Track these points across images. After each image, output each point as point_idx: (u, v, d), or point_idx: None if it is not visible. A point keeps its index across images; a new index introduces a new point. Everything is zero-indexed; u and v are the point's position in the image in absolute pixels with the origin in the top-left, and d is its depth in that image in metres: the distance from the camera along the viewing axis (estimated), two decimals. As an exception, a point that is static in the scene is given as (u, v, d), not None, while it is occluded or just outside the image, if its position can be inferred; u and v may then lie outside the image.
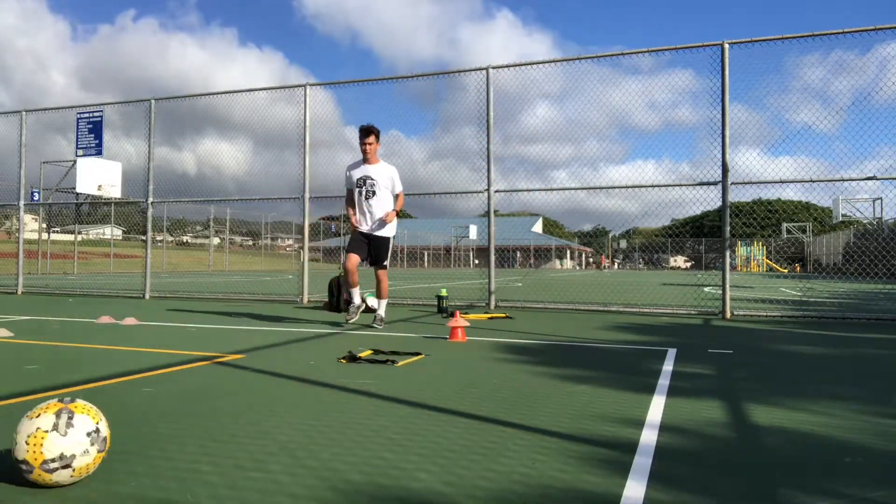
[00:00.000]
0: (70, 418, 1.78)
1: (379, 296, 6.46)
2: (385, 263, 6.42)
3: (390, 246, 6.48)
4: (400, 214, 6.60)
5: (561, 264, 57.98)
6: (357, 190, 6.38)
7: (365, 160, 6.40)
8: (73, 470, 1.75)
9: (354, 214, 6.47)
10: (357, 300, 6.38)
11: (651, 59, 8.47)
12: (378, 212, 6.33)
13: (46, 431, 1.73)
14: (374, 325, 6.20)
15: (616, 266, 56.79)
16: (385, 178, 6.37)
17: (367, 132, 6.33)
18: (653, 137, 9.80)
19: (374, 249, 6.39)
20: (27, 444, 1.72)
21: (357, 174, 6.41)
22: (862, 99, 7.26)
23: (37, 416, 1.77)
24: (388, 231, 6.42)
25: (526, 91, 8.82)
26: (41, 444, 1.71)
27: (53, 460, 1.71)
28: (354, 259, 6.33)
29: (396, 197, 6.50)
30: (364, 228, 6.38)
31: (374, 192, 6.33)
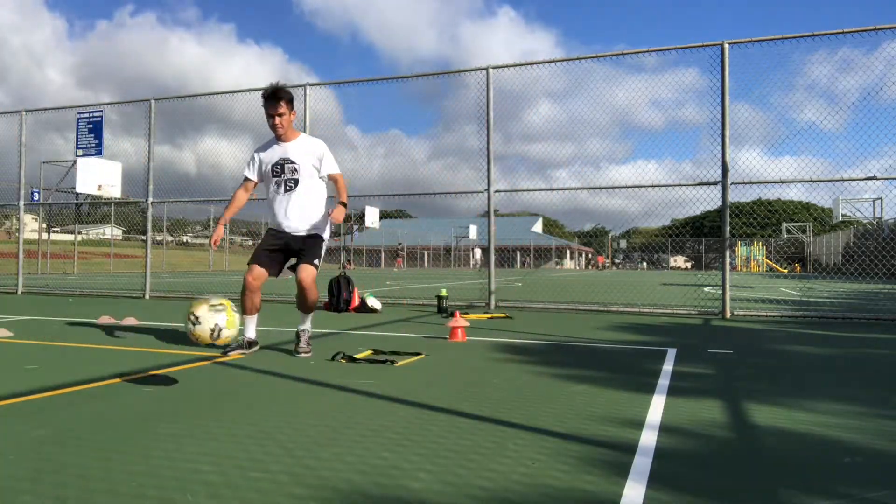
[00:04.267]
0: None
1: (306, 308, 4.54)
2: (315, 263, 4.46)
3: (323, 248, 4.57)
4: (346, 214, 4.54)
5: (561, 264, 58.02)
6: (274, 180, 4.51)
7: (277, 137, 4.54)
8: None
9: (221, 227, 4.66)
10: (250, 334, 4.52)
11: (652, 58, 8.47)
12: (305, 206, 4.49)
13: None
14: (300, 348, 4.42)
15: (614, 266, 56.78)
16: (309, 158, 4.51)
17: (272, 98, 4.43)
18: (654, 137, 9.81)
19: (298, 252, 4.52)
20: None
21: (270, 157, 4.55)
22: (864, 98, 7.27)
23: None
24: (319, 227, 4.55)
25: (527, 89, 8.83)
26: None
27: None
28: (259, 273, 4.44)
29: (333, 181, 4.58)
30: (282, 228, 4.52)
31: (296, 181, 4.47)
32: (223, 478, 1.90)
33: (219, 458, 2.08)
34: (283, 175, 4.51)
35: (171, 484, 1.84)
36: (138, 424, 2.52)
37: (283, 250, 4.57)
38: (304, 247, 4.51)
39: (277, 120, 4.45)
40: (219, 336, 4.51)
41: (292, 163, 4.49)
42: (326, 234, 4.62)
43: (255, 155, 4.67)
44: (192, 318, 4.52)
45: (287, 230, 4.52)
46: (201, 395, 3.07)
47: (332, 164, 4.59)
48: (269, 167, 4.54)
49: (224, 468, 1.99)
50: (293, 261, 4.59)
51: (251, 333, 4.54)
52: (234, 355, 4.32)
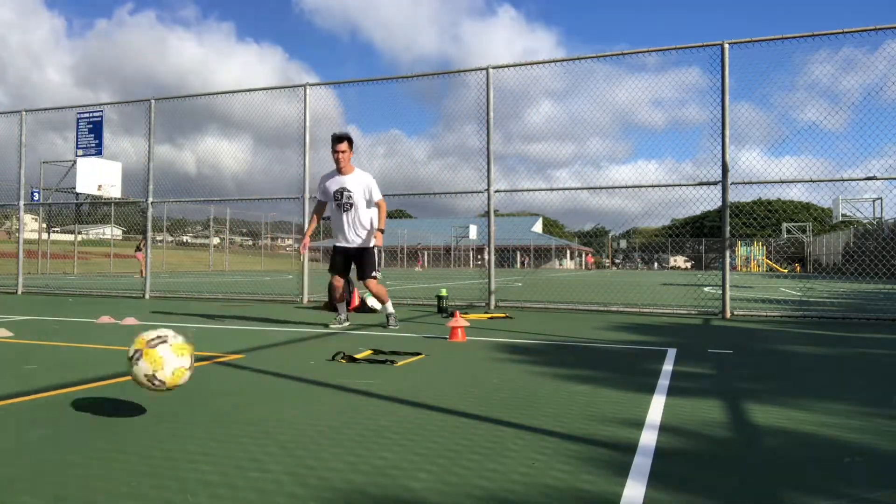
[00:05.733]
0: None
1: (381, 301, 6.32)
2: (375, 275, 6.15)
3: (374, 256, 6.20)
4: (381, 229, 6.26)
5: (562, 264, 58.04)
6: (335, 203, 6.13)
7: (339, 170, 6.13)
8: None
9: (306, 239, 6.47)
10: (343, 315, 6.23)
11: (652, 58, 8.47)
12: (356, 225, 6.10)
13: None
14: (390, 326, 6.10)
15: (614, 266, 56.77)
16: (361, 188, 6.09)
17: (337, 139, 6.05)
18: (654, 137, 9.80)
19: (357, 263, 6.18)
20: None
21: (333, 186, 6.15)
22: (865, 98, 7.26)
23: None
24: (367, 241, 6.13)
25: (527, 89, 8.83)
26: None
27: None
28: (339, 281, 6.20)
29: (377, 206, 6.19)
30: (342, 243, 6.16)
31: (351, 205, 6.08)
32: (223, 478, 1.90)
33: (219, 458, 2.08)
34: (342, 200, 6.10)
35: (171, 484, 1.84)
36: (138, 424, 2.52)
37: (346, 260, 6.23)
38: (361, 261, 6.14)
39: (340, 156, 6.04)
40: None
41: (349, 191, 6.08)
42: (373, 243, 6.13)
43: (322, 181, 6.27)
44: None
45: (345, 244, 6.16)
46: (201, 395, 3.07)
47: (378, 193, 6.16)
48: (332, 193, 6.15)
49: (224, 468, 1.99)
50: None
51: (343, 314, 6.23)
52: (333, 326, 6.06)
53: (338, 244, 6.20)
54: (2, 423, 2.55)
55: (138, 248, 22.72)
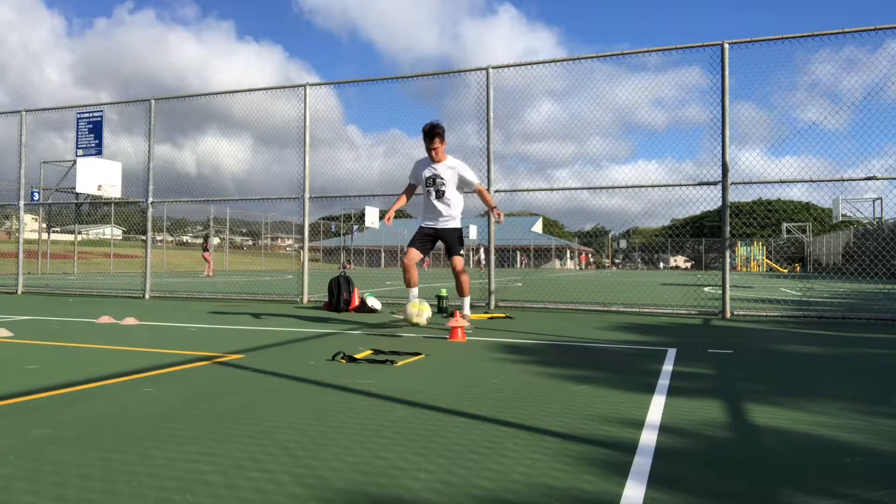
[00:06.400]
0: None
1: (462, 293, 6.42)
2: (461, 252, 6.37)
3: (461, 235, 6.45)
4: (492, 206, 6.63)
5: (564, 264, 58.04)
6: (427, 189, 6.38)
7: (432, 159, 6.36)
8: None
9: (390, 213, 6.49)
10: (414, 291, 6.27)
11: (653, 58, 8.47)
12: (447, 207, 6.34)
13: None
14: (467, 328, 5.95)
15: (614, 266, 56.76)
16: (452, 174, 6.33)
17: (430, 136, 6.23)
18: (655, 136, 9.79)
19: (447, 242, 6.41)
20: None
21: (426, 173, 6.37)
22: (867, 98, 7.26)
23: None
24: (457, 222, 6.42)
25: (528, 89, 8.82)
26: None
27: None
28: (414, 254, 6.29)
29: (476, 191, 6.53)
30: (430, 223, 6.41)
31: (443, 192, 6.32)
32: (223, 478, 1.90)
33: (219, 458, 2.08)
34: (434, 186, 6.33)
35: (171, 484, 1.84)
36: (138, 424, 2.52)
37: (432, 240, 6.46)
38: (450, 239, 6.36)
39: (434, 152, 6.26)
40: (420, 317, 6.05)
41: (441, 178, 6.31)
42: (460, 224, 6.43)
43: (416, 167, 6.48)
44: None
45: (433, 224, 6.40)
46: (201, 395, 3.07)
47: (474, 177, 6.42)
48: (424, 178, 6.36)
49: (224, 468, 1.99)
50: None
51: (415, 290, 6.27)
52: (407, 312, 6.10)
53: (426, 224, 6.45)
54: (2, 423, 2.55)
55: (205, 249, 23.89)
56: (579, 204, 8.73)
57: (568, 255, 61.30)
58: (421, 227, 6.48)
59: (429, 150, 6.27)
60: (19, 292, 11.74)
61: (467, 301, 6.41)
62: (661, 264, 54.96)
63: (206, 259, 24.19)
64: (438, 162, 6.35)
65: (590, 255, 64.55)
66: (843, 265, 28.37)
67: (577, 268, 56.96)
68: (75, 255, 27.37)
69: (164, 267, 29.95)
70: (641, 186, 8.24)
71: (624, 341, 5.35)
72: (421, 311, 6.01)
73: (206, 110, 11.05)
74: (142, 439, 2.30)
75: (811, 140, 7.47)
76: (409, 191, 6.65)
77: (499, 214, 6.52)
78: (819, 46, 7.49)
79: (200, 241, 28.55)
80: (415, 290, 6.28)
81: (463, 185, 6.43)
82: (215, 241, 40.57)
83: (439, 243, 6.56)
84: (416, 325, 6.02)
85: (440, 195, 6.34)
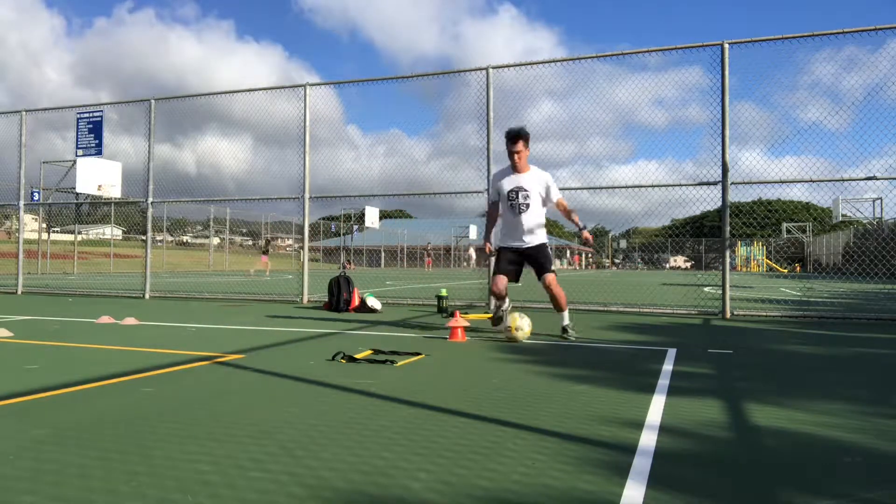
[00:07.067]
0: None
1: (559, 308, 5.57)
2: (552, 268, 5.60)
3: (549, 252, 5.73)
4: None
5: (567, 264, 58.04)
6: (509, 203, 5.61)
7: (514, 169, 5.64)
8: None
9: (489, 242, 5.88)
10: (505, 311, 5.63)
11: (653, 58, 8.47)
12: (532, 224, 5.60)
13: None
14: (569, 336, 5.47)
15: (614, 266, 56.77)
16: (538, 187, 5.61)
17: (513, 138, 5.53)
18: (655, 136, 9.80)
19: (534, 261, 5.63)
20: None
21: (507, 185, 5.63)
22: (867, 97, 7.25)
23: None
24: (542, 238, 5.69)
25: (528, 89, 8.82)
26: None
27: None
28: (502, 282, 5.57)
29: (558, 205, 5.71)
30: (515, 243, 5.65)
31: (527, 206, 5.57)
32: (223, 478, 1.90)
33: (219, 458, 2.08)
34: (517, 200, 5.59)
35: (171, 484, 1.84)
36: (138, 424, 2.52)
37: (519, 262, 5.70)
38: (539, 257, 5.61)
39: (517, 157, 5.54)
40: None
41: (525, 191, 5.58)
42: (545, 238, 5.72)
43: (496, 181, 5.78)
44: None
45: (518, 244, 5.65)
46: (201, 395, 3.07)
47: (557, 192, 5.71)
48: (506, 192, 5.63)
49: (224, 468, 1.99)
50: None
51: (506, 307, 5.67)
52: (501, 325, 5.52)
53: (509, 244, 5.70)
54: (2, 423, 2.55)
55: (265, 252, 25.02)
56: (579, 204, 8.72)
57: (567, 255, 61.32)
58: (502, 249, 5.73)
59: (511, 154, 5.55)
60: (19, 292, 11.74)
61: (566, 315, 5.58)
62: (666, 265, 54.97)
63: (264, 262, 25.93)
64: (521, 172, 5.63)
65: (589, 256, 64.52)
66: (843, 265, 28.37)
67: (573, 268, 56.98)
68: (75, 255, 27.37)
69: (164, 267, 29.95)
70: (641, 186, 8.24)
71: (624, 341, 5.35)
72: (520, 325, 5.25)
73: (206, 110, 11.05)
74: (142, 439, 2.30)
75: (811, 140, 7.48)
76: (494, 209, 5.86)
77: (589, 238, 5.69)
78: (819, 46, 7.50)
79: (262, 242, 31.29)
80: (506, 303, 5.70)
81: (547, 200, 5.69)
82: (215, 240, 40.59)
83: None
84: (515, 340, 5.26)
85: (524, 210, 5.58)
